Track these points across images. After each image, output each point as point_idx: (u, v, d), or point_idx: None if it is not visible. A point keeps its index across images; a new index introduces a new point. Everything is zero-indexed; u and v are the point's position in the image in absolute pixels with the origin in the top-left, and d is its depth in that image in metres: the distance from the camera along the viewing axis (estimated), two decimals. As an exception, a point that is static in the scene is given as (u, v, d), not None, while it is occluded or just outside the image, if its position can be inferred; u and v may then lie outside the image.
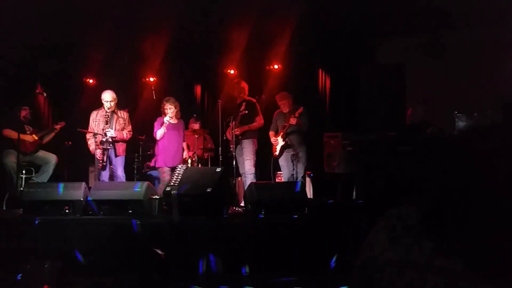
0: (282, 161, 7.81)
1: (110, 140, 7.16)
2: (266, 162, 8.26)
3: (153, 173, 8.86)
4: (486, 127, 1.24)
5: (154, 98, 9.30)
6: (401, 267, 1.13)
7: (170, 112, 7.44)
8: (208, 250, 5.28)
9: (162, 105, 7.55)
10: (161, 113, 7.56)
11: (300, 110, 7.46)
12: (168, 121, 7.35)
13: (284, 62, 9.56)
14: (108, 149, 7.15)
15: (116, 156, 7.28)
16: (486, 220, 1.11)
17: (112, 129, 7.19)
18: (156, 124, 7.54)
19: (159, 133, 7.41)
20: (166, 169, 7.44)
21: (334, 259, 5.06)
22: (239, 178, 7.99)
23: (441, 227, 1.15)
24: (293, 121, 7.47)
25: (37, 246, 5.36)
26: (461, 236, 1.13)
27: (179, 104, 7.65)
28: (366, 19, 8.05)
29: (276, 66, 9.55)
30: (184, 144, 7.84)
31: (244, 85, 7.99)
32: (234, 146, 7.66)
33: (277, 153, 7.77)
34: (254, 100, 7.89)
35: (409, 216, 1.18)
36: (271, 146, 7.97)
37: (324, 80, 9.81)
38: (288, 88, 8.28)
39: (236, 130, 7.58)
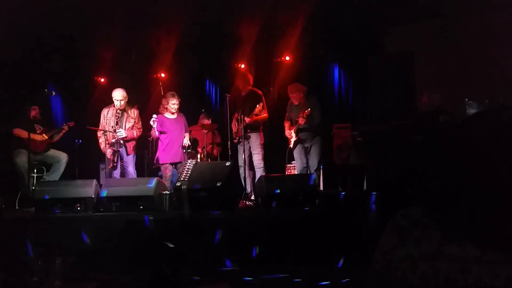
0: (296, 153, 7.80)
1: (121, 141, 7.16)
2: (275, 155, 8.24)
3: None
4: (486, 112, 1.22)
5: (162, 94, 9.30)
6: (413, 261, 1.12)
7: (174, 107, 7.39)
8: (220, 244, 5.27)
9: (167, 99, 7.42)
10: (164, 108, 7.44)
11: (308, 112, 7.36)
12: (155, 119, 7.18)
13: (294, 54, 9.50)
14: (119, 150, 7.16)
15: (127, 154, 7.30)
16: (492, 201, 1.09)
17: (122, 128, 7.19)
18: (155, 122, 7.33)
19: (153, 134, 7.37)
20: (168, 165, 7.39)
21: (341, 261, 5.01)
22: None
23: (447, 216, 1.14)
24: (301, 121, 7.45)
25: (49, 243, 5.39)
26: (469, 220, 1.11)
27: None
28: (376, 7, 7.97)
29: (287, 58, 9.49)
30: (186, 134, 7.66)
31: (249, 76, 7.93)
32: (238, 139, 7.63)
33: (291, 145, 7.76)
34: (260, 92, 7.79)
35: (414, 213, 1.18)
36: (280, 139, 7.94)
37: (333, 70, 9.75)
38: (298, 79, 8.22)
39: (239, 126, 7.52)
